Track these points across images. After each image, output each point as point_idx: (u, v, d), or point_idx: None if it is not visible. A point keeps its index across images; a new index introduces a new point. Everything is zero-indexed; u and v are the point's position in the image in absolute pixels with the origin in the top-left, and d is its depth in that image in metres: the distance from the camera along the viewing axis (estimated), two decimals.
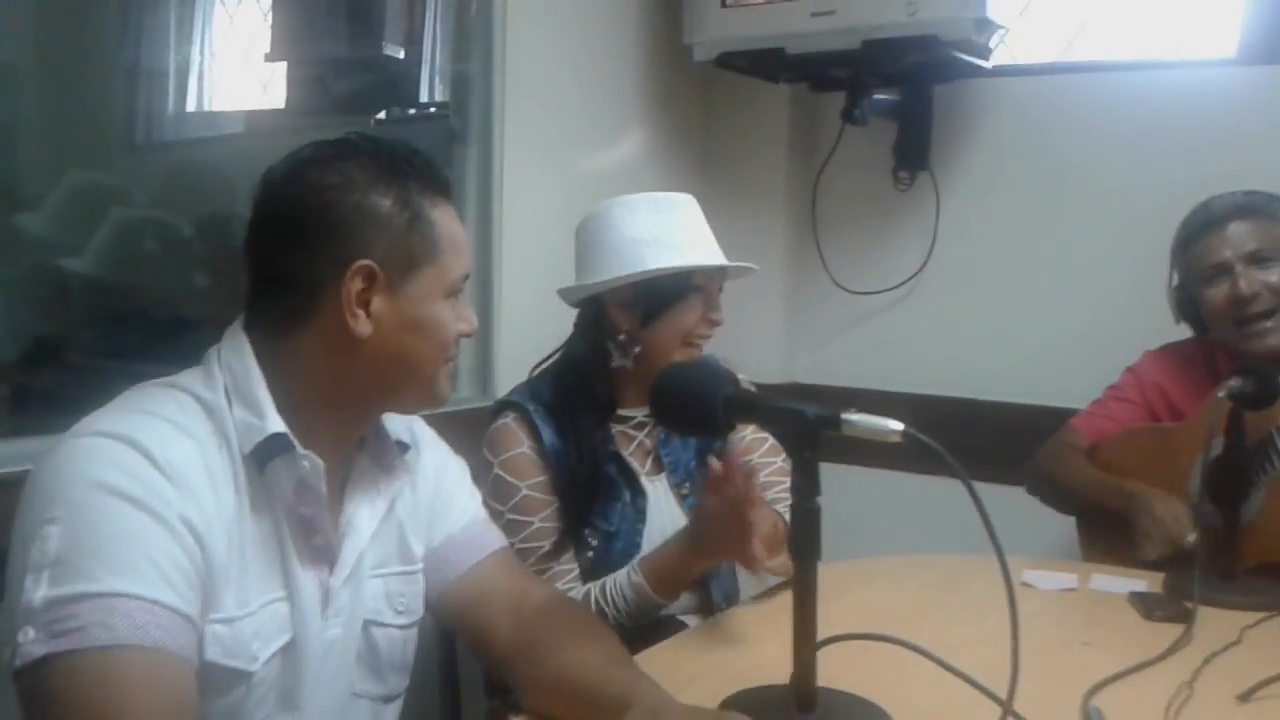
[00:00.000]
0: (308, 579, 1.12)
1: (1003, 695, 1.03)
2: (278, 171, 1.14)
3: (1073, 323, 2.60)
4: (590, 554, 1.68)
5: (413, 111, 2.64)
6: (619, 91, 2.64)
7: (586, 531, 1.68)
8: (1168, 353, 2.09)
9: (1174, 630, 1.46)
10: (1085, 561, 1.98)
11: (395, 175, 1.13)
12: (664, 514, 1.73)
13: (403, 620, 1.24)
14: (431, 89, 2.67)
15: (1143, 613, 1.56)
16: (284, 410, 1.09)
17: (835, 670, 1.15)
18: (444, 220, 1.15)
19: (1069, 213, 2.61)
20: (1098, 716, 0.88)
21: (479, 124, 2.34)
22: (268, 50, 2.51)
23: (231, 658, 1.04)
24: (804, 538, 1.09)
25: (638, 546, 1.69)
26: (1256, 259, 1.86)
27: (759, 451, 1.81)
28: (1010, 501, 2.23)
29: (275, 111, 2.46)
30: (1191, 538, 1.68)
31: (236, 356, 1.11)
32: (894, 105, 2.69)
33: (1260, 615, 1.52)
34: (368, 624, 1.20)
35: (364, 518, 1.18)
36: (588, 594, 1.62)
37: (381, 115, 2.61)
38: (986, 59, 2.44)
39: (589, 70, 2.54)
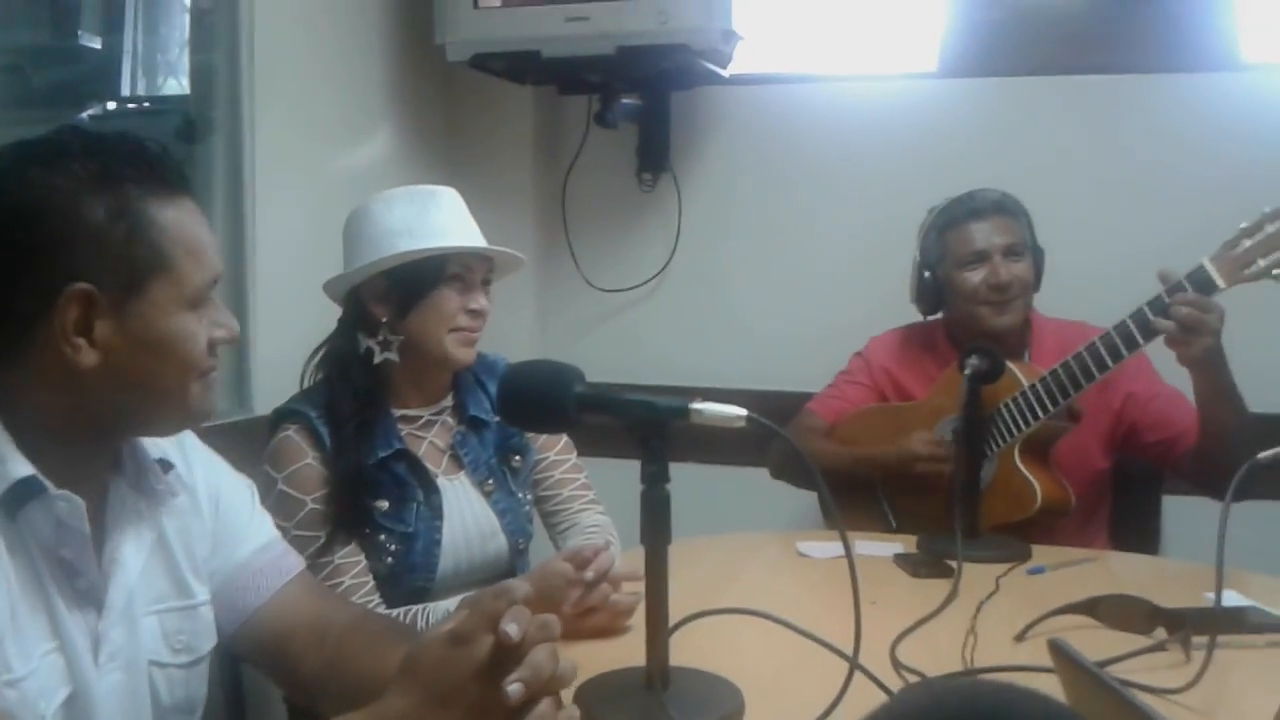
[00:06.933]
0: (76, 625, 1.02)
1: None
2: None
3: (803, 314, 2.80)
4: (390, 559, 1.65)
5: (114, 106, 2.46)
6: (368, 88, 2.58)
7: (383, 537, 1.65)
8: (892, 337, 2.29)
9: (940, 584, 1.62)
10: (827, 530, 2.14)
11: (108, 179, 0.99)
12: (464, 510, 1.72)
13: (183, 659, 1.14)
14: (135, 81, 2.51)
15: (910, 571, 1.73)
16: (27, 449, 0.98)
17: (677, 649, 1.19)
18: (177, 223, 1.03)
19: (798, 211, 2.81)
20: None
21: (225, 118, 2.21)
22: None
23: None
24: (655, 524, 1.13)
25: (438, 545, 1.68)
26: (1010, 252, 2.08)
27: (554, 449, 1.85)
28: (752, 481, 2.36)
29: None
30: (948, 436, 1.95)
31: None
32: (636, 109, 2.79)
33: (1008, 565, 1.73)
34: (151, 665, 1.10)
35: (129, 552, 1.08)
36: (412, 615, 1.58)
37: (96, 110, 2.42)
38: (726, 68, 2.59)
39: (338, 65, 2.47)
